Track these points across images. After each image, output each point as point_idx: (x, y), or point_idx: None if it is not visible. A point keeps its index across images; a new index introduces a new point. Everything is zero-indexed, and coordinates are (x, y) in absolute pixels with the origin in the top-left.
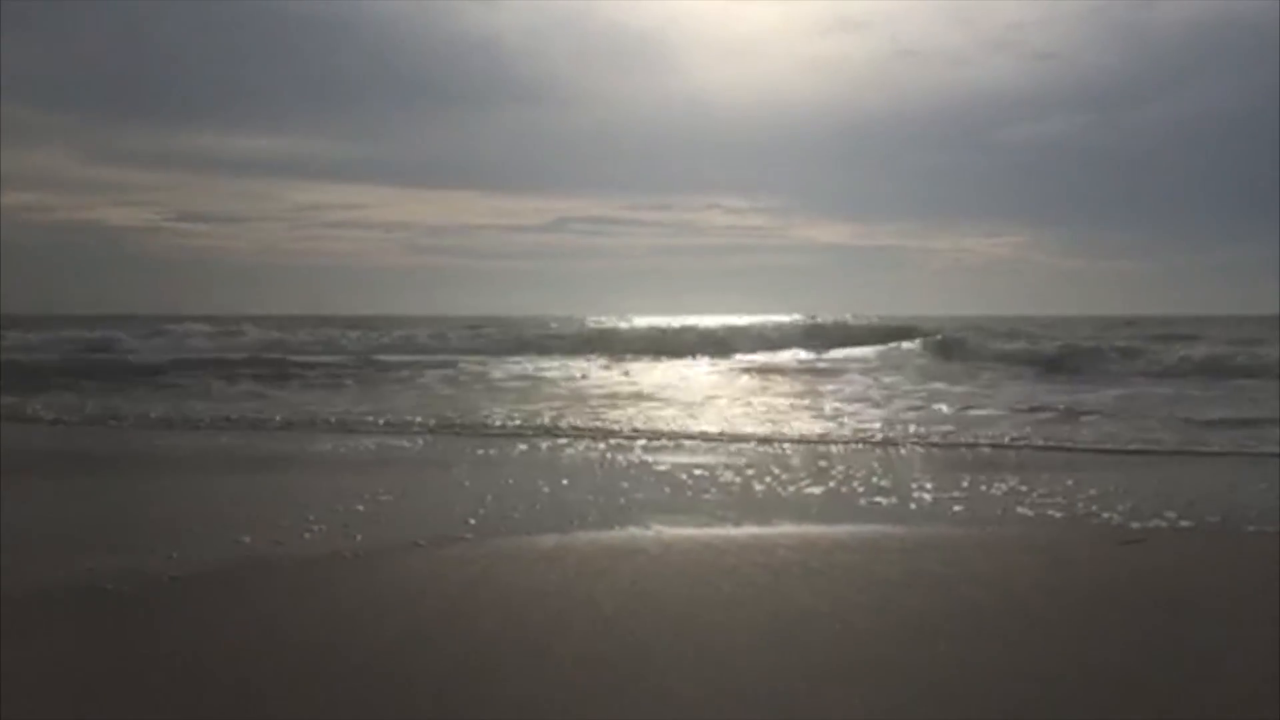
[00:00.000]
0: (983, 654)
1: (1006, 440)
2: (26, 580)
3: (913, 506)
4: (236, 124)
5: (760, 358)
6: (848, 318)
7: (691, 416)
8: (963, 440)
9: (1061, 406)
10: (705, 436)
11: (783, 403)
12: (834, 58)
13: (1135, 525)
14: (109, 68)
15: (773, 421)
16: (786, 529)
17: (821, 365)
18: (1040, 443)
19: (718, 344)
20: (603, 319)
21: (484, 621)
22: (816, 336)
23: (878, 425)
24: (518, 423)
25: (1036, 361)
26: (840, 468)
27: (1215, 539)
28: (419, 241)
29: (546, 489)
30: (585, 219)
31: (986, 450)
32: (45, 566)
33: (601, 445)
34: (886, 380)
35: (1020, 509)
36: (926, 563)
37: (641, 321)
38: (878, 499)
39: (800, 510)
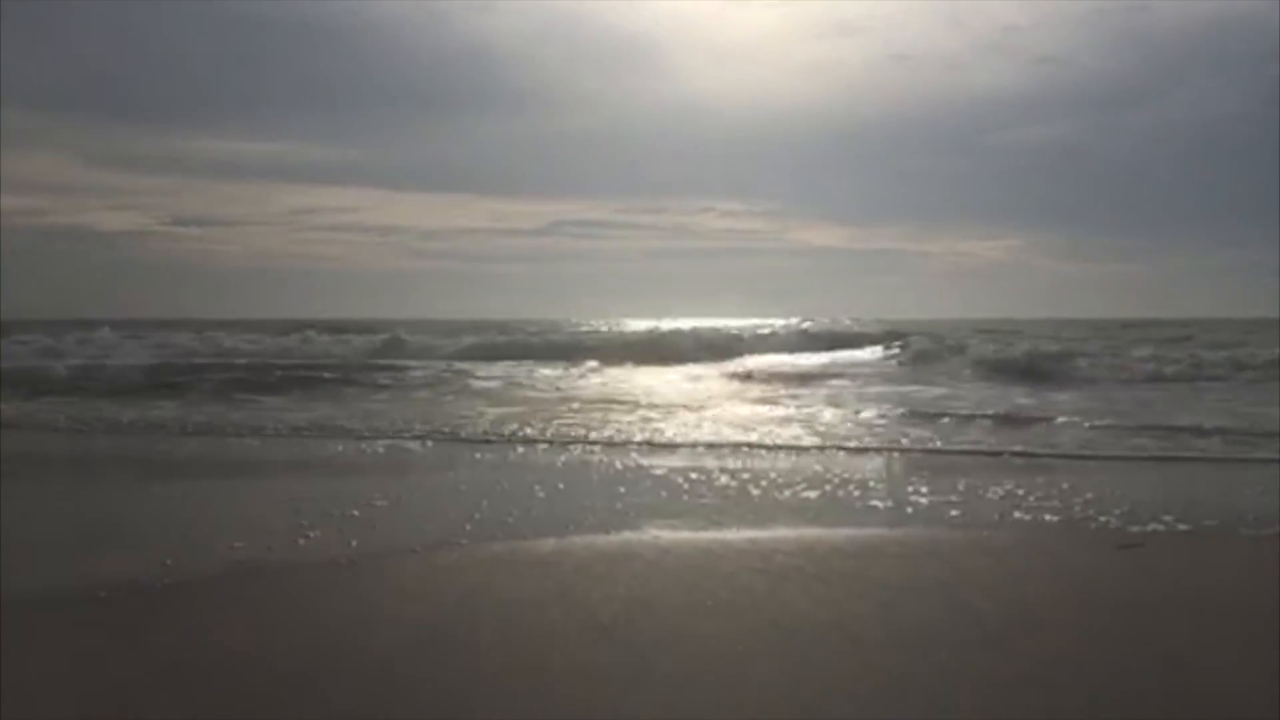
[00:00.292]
0: (983, 662)
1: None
2: (20, 586)
3: (870, 510)
4: (230, 128)
5: (740, 362)
6: (846, 321)
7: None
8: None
9: (1002, 411)
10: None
11: (738, 410)
12: (829, 62)
13: (1134, 529)
14: (103, 72)
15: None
16: (784, 533)
17: (798, 370)
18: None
19: (705, 348)
20: (593, 323)
21: (480, 629)
22: (804, 341)
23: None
24: (505, 430)
25: (1008, 367)
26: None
27: (1213, 543)
28: (413, 245)
29: (542, 494)
30: (579, 222)
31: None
32: (40, 573)
33: (578, 451)
34: (846, 386)
35: (1017, 513)
36: (925, 568)
37: (631, 325)
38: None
39: (771, 514)
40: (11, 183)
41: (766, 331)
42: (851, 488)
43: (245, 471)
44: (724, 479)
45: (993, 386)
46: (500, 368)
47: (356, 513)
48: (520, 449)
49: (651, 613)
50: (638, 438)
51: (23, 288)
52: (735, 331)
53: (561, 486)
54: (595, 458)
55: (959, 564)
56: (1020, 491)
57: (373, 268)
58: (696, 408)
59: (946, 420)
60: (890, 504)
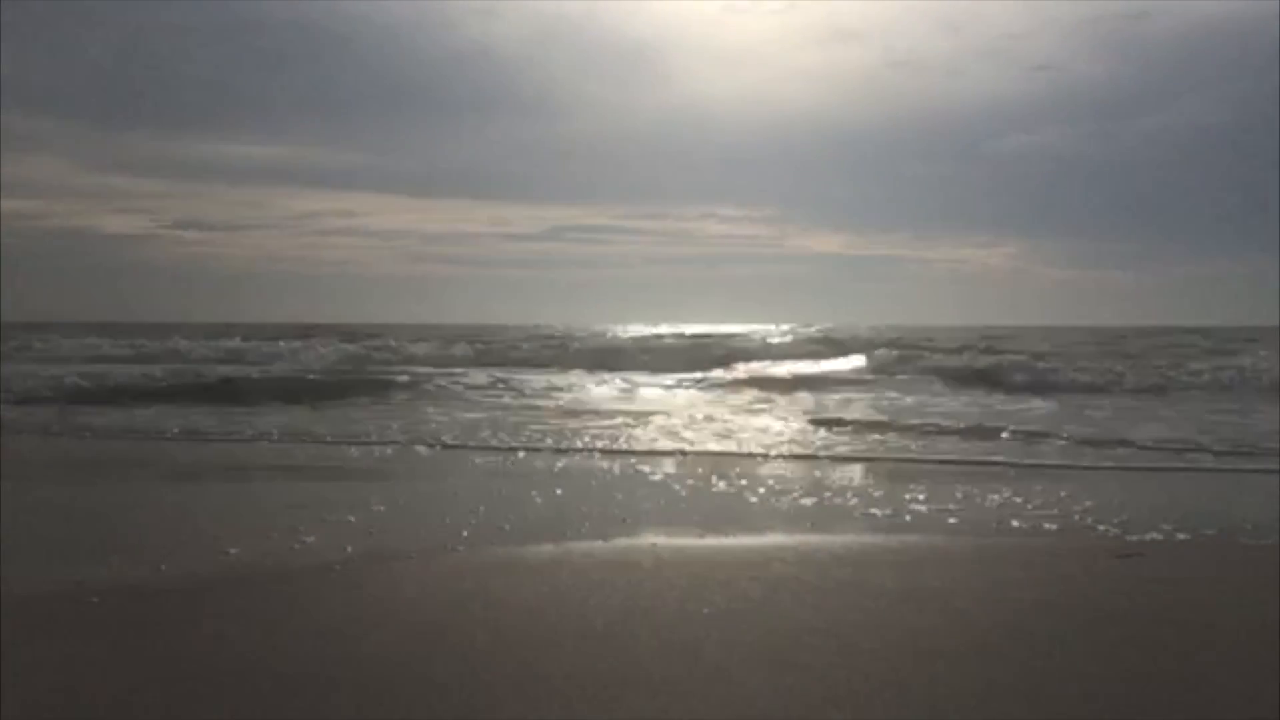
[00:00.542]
0: (981, 672)
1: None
2: (13, 591)
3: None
4: (234, 132)
5: (731, 371)
6: (831, 326)
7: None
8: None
9: (944, 423)
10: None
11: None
12: (829, 68)
13: (1132, 538)
14: (107, 76)
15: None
16: (781, 541)
17: (776, 377)
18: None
19: (695, 356)
20: (592, 328)
21: (476, 636)
22: (798, 348)
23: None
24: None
25: (979, 377)
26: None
27: (1213, 551)
28: (415, 249)
29: (539, 500)
30: (581, 228)
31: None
32: (32, 577)
33: (563, 460)
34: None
35: (1015, 521)
36: (922, 576)
37: (627, 331)
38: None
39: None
40: (13, 186)
41: (768, 339)
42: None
43: (241, 477)
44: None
45: (956, 395)
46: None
47: (353, 518)
48: (517, 457)
49: (648, 621)
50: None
51: (24, 291)
52: (732, 338)
53: (559, 492)
54: (537, 463)
55: (955, 572)
56: (1018, 500)
57: (375, 272)
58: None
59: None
60: (864, 511)
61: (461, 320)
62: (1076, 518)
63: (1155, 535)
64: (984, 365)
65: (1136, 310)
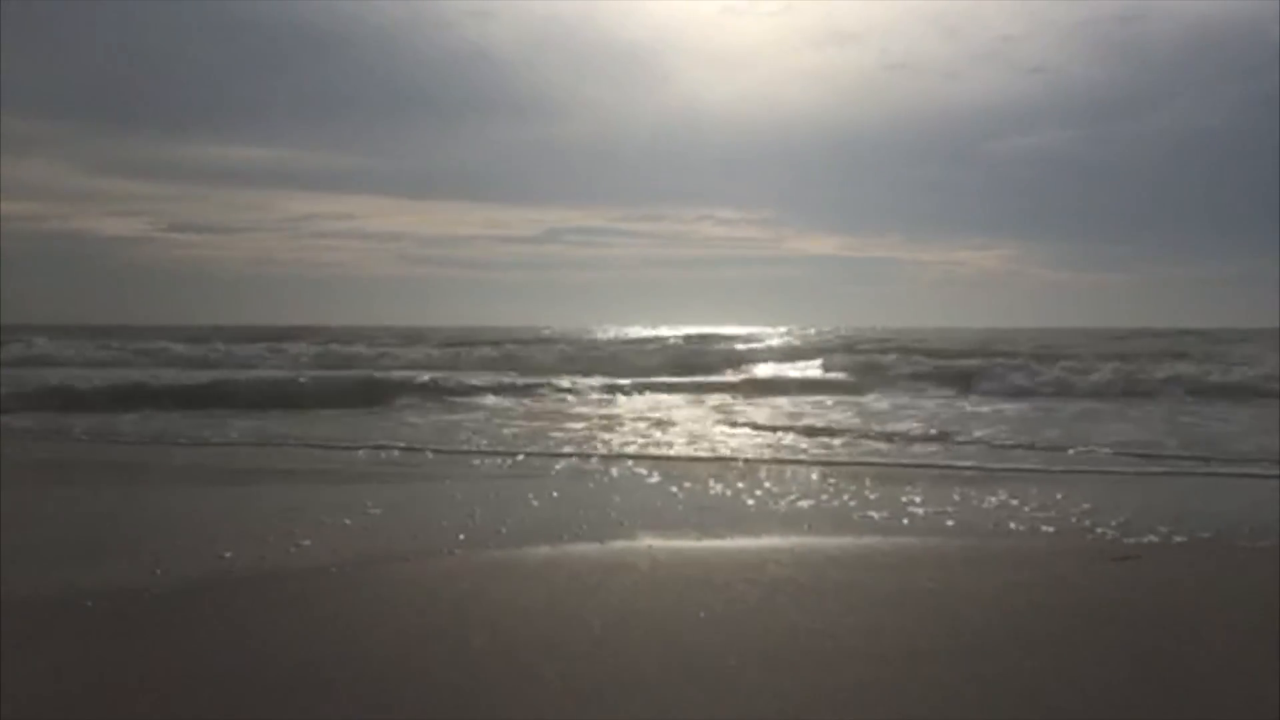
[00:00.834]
0: (978, 675)
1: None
2: (8, 594)
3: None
4: (230, 134)
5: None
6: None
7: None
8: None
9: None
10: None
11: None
12: (825, 70)
13: (1129, 541)
14: (103, 78)
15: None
16: (777, 543)
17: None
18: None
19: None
20: (589, 330)
21: (472, 640)
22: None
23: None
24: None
25: (948, 379)
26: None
27: (1209, 554)
28: (411, 252)
29: (536, 503)
30: (577, 230)
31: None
32: (28, 581)
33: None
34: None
35: (1012, 523)
36: (917, 579)
37: (624, 333)
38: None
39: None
40: (10, 188)
41: (763, 342)
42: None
43: (237, 481)
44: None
45: (926, 398)
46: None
47: (349, 521)
48: (516, 461)
49: (645, 624)
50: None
51: (21, 293)
52: (719, 339)
53: (555, 495)
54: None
55: (950, 574)
56: (1014, 502)
57: (372, 275)
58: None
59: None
60: (870, 514)
61: (461, 323)
62: (1074, 520)
63: (1152, 538)
64: (959, 368)
65: (1133, 312)
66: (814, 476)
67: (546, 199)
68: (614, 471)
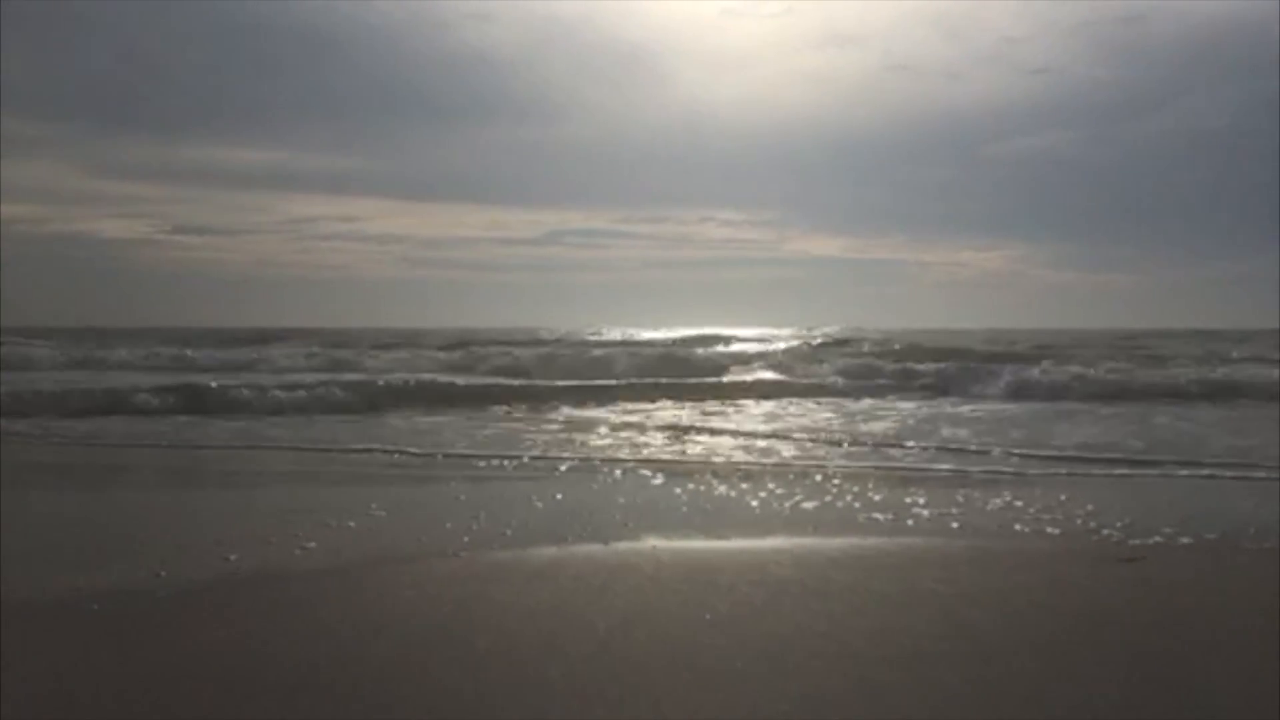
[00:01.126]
0: (981, 677)
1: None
2: (13, 597)
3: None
4: (232, 137)
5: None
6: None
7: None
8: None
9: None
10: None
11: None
12: (827, 72)
13: (1134, 542)
14: (105, 80)
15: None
16: (782, 544)
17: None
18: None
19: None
20: (585, 332)
21: (476, 642)
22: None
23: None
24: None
25: (923, 382)
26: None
27: (1215, 556)
28: (413, 254)
29: (540, 505)
30: (579, 231)
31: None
32: (32, 583)
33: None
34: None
35: (1017, 525)
36: (923, 581)
37: (605, 336)
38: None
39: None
40: (12, 190)
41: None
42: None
43: (239, 483)
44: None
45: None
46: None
47: (353, 523)
48: (516, 464)
49: (649, 626)
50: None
51: (24, 296)
52: (724, 342)
53: (559, 496)
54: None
55: (955, 576)
56: (1019, 504)
57: (373, 276)
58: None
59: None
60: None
61: (460, 325)
62: (1079, 522)
63: (1157, 539)
64: (945, 371)
65: (1136, 313)
66: (755, 480)
67: (548, 201)
68: (607, 475)
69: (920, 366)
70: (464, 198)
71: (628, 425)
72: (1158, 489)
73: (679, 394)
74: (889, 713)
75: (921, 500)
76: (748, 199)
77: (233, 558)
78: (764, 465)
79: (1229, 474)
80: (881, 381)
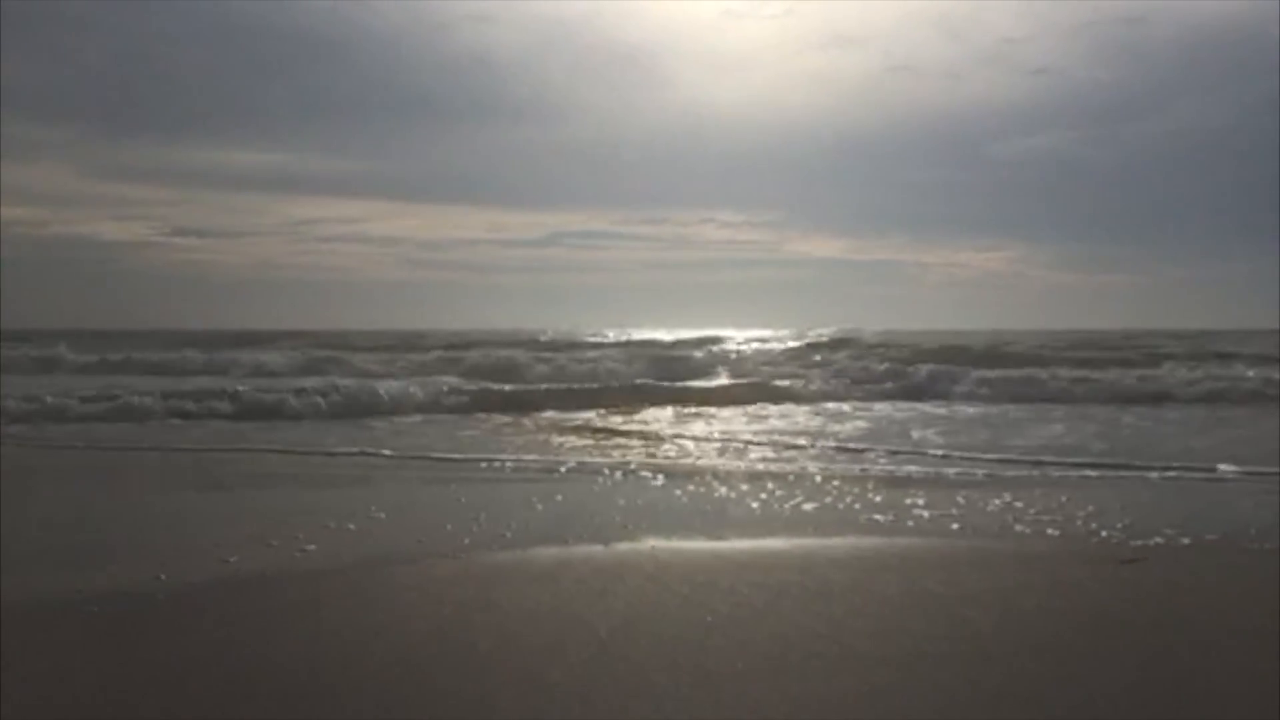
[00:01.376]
0: (983, 679)
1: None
2: (13, 599)
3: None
4: (232, 139)
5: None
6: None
7: None
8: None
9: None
10: None
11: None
12: (827, 73)
13: (1135, 543)
14: (105, 83)
15: None
16: (783, 546)
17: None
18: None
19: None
20: (583, 333)
21: (478, 643)
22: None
23: None
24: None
25: (903, 383)
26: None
27: (1216, 557)
28: (413, 255)
29: (540, 507)
30: (579, 233)
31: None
32: (32, 586)
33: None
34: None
35: (1019, 526)
36: (924, 582)
37: (599, 337)
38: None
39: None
40: (12, 193)
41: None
42: None
43: (240, 485)
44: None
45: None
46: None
47: (353, 526)
48: (515, 465)
49: (650, 628)
50: None
51: (23, 298)
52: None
53: (559, 498)
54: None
55: (956, 577)
56: (1019, 505)
57: (373, 279)
58: None
59: None
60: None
61: (461, 327)
62: (1079, 523)
63: (1158, 540)
64: (922, 373)
65: (1137, 313)
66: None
67: (548, 202)
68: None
69: (906, 368)
70: (464, 199)
71: (572, 429)
72: (1157, 490)
73: (654, 398)
74: (890, 714)
75: (921, 501)
76: (748, 200)
77: (233, 560)
78: (710, 469)
79: (1229, 476)
80: (863, 383)
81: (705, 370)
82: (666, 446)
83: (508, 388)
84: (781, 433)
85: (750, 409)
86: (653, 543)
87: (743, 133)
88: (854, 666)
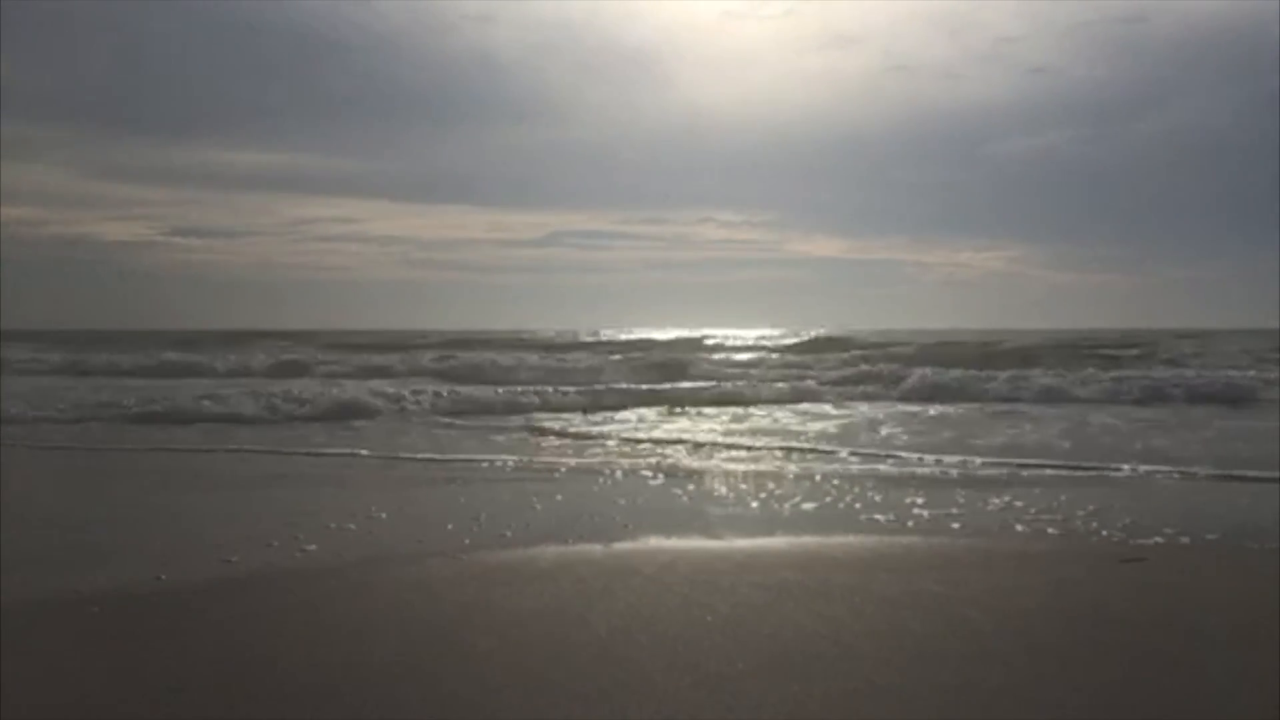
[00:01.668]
0: (983, 678)
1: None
2: (13, 599)
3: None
4: (232, 139)
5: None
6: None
7: None
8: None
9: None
10: None
11: None
12: (827, 72)
13: (1136, 543)
14: (105, 83)
15: None
16: (783, 545)
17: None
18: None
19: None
20: (580, 333)
21: (478, 643)
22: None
23: None
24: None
25: (880, 384)
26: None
27: (1217, 556)
28: (413, 255)
29: (539, 507)
30: (580, 233)
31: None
32: (29, 585)
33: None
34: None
35: (1019, 526)
36: (924, 582)
37: (593, 338)
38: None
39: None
40: (11, 193)
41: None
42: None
43: (240, 484)
44: None
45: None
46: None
47: (353, 525)
48: (513, 465)
49: (650, 628)
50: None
51: (22, 298)
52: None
53: (559, 498)
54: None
55: (957, 577)
56: (1019, 504)
57: (374, 279)
58: None
59: None
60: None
61: (461, 327)
62: (1080, 522)
63: (1158, 539)
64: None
65: (1137, 313)
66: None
67: (548, 202)
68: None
69: (887, 369)
70: (465, 199)
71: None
72: (1156, 489)
73: (630, 399)
74: (891, 713)
75: (921, 501)
76: (748, 200)
77: (234, 560)
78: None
79: (1218, 475)
80: (839, 386)
81: (679, 372)
82: (642, 447)
83: (498, 389)
84: (745, 433)
85: (714, 409)
86: (653, 542)
87: (742, 133)
88: (854, 666)
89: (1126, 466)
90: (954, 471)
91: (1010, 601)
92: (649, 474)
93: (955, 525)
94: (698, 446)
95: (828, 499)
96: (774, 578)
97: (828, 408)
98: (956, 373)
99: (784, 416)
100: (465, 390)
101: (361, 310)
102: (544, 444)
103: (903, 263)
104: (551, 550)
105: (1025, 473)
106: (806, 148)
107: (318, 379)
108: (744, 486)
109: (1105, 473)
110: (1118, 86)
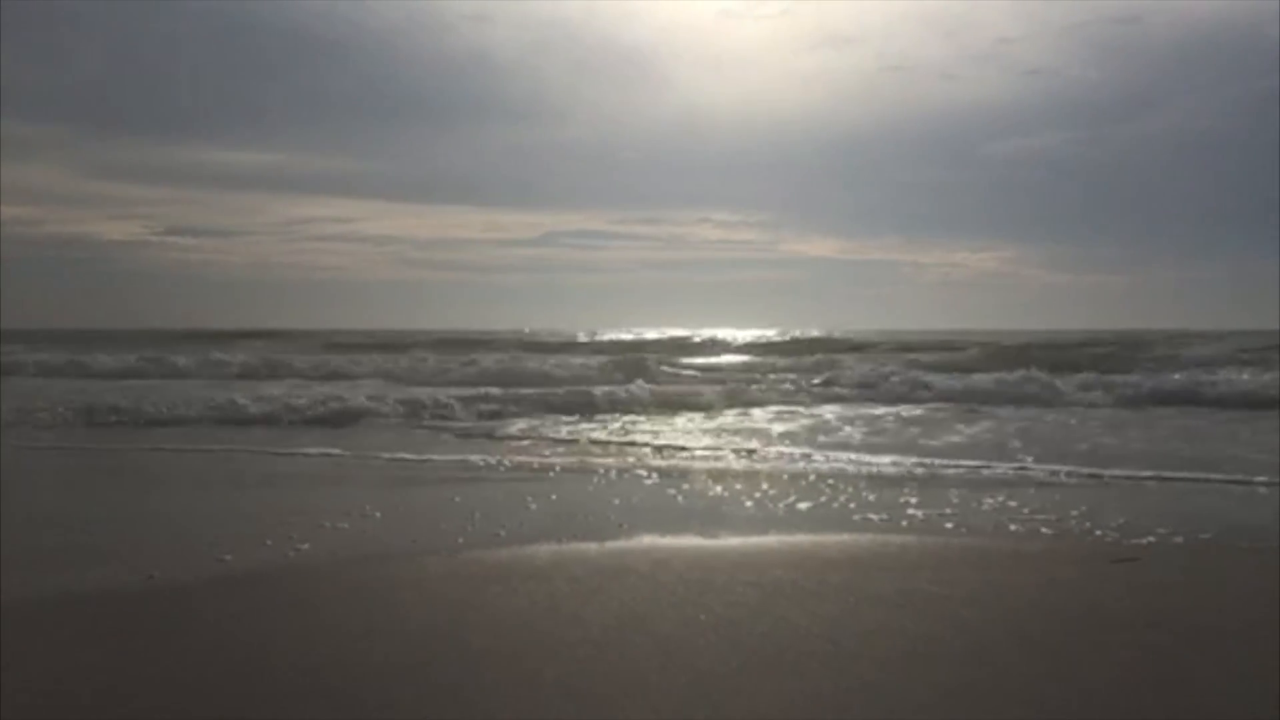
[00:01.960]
0: (976, 678)
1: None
2: (8, 598)
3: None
4: (227, 138)
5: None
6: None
7: None
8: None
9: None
10: None
11: None
12: (823, 73)
13: (1128, 543)
14: (100, 82)
15: None
16: (777, 544)
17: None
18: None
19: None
20: (578, 333)
21: (472, 642)
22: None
23: None
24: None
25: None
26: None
27: (1209, 556)
28: (409, 255)
29: (534, 506)
30: (576, 233)
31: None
32: (28, 586)
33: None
34: None
35: (1013, 525)
36: (918, 581)
37: (587, 338)
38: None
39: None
40: (8, 192)
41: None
42: None
43: (236, 483)
44: None
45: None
46: None
47: (346, 525)
48: (511, 464)
49: (644, 627)
50: None
51: (19, 298)
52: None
53: (554, 497)
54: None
55: (951, 576)
56: (1013, 504)
57: (369, 278)
58: None
59: None
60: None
61: (458, 326)
62: (1073, 522)
63: (1150, 539)
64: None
65: (1133, 314)
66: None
67: (545, 202)
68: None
69: (859, 371)
70: (461, 199)
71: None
72: (1149, 490)
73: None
74: (885, 713)
75: (915, 500)
76: (744, 200)
77: (228, 558)
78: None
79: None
80: (819, 387)
81: (655, 373)
82: (627, 448)
83: (488, 390)
84: (719, 432)
85: (695, 410)
86: (647, 541)
87: (739, 132)
88: (848, 665)
89: (1119, 469)
90: (918, 471)
91: (1004, 601)
92: (645, 472)
93: (949, 525)
94: (659, 450)
95: (821, 498)
96: (768, 576)
97: (799, 409)
98: (935, 376)
99: (731, 419)
100: (442, 393)
101: (358, 310)
102: (516, 446)
103: (898, 263)
104: (545, 549)
105: (985, 473)
106: (803, 147)
107: (312, 379)
108: (738, 486)
109: (1099, 475)
110: (1113, 87)
